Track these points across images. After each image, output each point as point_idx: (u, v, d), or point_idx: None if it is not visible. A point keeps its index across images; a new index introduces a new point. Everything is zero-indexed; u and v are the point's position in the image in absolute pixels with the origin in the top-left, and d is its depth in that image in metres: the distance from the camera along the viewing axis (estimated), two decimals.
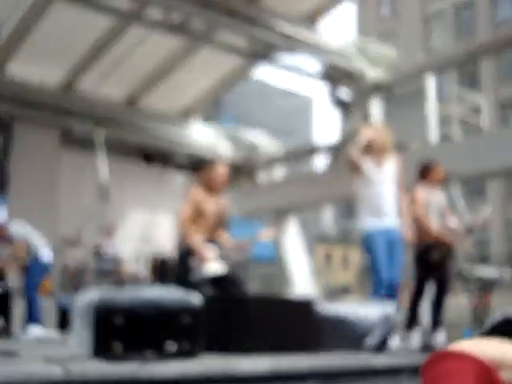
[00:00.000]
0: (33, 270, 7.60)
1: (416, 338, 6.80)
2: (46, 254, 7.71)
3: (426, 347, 6.13)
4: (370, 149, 6.49)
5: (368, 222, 6.44)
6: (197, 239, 5.97)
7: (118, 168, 13.15)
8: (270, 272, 19.31)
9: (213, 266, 5.94)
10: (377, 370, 4.70)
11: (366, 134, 6.64)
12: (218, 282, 5.99)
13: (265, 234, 6.42)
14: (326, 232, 55.92)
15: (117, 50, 12.17)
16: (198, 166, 6.46)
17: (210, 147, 15.23)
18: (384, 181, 6.55)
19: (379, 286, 6.46)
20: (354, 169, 6.47)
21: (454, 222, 7.15)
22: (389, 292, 6.49)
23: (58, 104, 12.74)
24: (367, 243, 6.44)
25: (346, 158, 6.51)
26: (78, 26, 11.49)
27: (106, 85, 13.18)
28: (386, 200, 6.54)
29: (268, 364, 4.14)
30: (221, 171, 6.28)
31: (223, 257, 6.02)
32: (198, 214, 6.05)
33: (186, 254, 6.02)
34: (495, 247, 35.20)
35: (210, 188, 6.21)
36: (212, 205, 6.13)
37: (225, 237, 6.30)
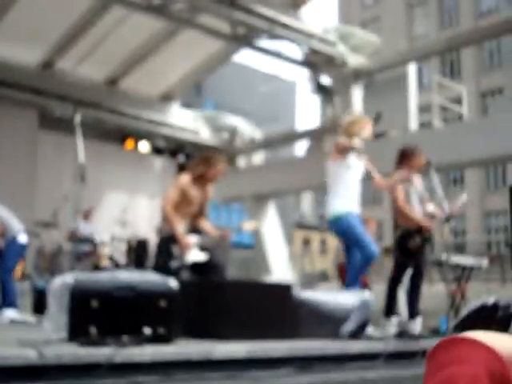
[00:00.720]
0: (8, 252, 7.52)
1: (393, 325, 6.85)
2: (22, 236, 7.62)
3: (402, 334, 6.16)
4: (350, 135, 6.57)
5: (344, 205, 6.49)
6: (179, 227, 5.98)
7: (97, 150, 13.04)
8: (248, 257, 19.31)
9: (194, 253, 5.98)
10: (353, 356, 4.72)
11: (350, 122, 6.74)
12: (198, 269, 6.01)
13: (248, 225, 6.46)
14: (304, 218, 56.07)
15: (97, 31, 12.03)
16: (199, 157, 6.45)
17: (189, 131, 15.15)
18: (358, 170, 6.65)
19: (365, 264, 6.50)
20: (345, 149, 6.49)
21: (431, 208, 7.19)
22: (367, 266, 6.65)
23: (36, 84, 12.59)
24: (346, 223, 6.46)
25: (339, 143, 6.57)
26: (58, 5, 11.33)
27: (85, 66, 13.04)
28: (356, 188, 6.63)
29: (244, 349, 4.14)
30: (222, 169, 6.27)
31: (205, 245, 6.04)
32: (183, 201, 6.06)
33: (167, 240, 6.03)
34: (472, 237, 35.47)
35: (204, 180, 6.19)
36: (199, 194, 6.14)
37: (206, 224, 6.30)
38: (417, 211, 6.97)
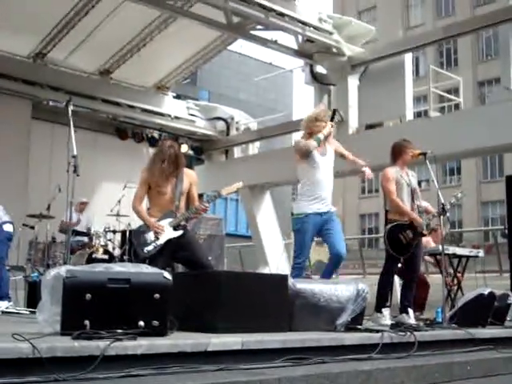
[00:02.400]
0: None
1: (386, 317, 6.85)
2: (7, 225, 7.58)
3: (398, 325, 6.15)
4: (309, 133, 6.69)
5: (306, 206, 6.57)
6: (147, 216, 6.20)
7: (91, 141, 13.02)
8: (244, 248, 19.30)
9: (166, 233, 6.10)
10: (349, 347, 4.70)
11: (310, 120, 6.79)
12: (172, 247, 6.13)
13: (227, 189, 6.42)
14: None
15: (90, 21, 11.96)
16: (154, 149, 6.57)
17: (184, 122, 15.10)
18: (326, 166, 6.68)
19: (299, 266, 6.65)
20: (303, 154, 6.60)
21: (424, 204, 7.21)
22: (337, 266, 6.73)
23: (29, 75, 12.51)
24: (298, 225, 6.60)
25: (296, 145, 6.75)
26: None
27: (78, 56, 12.97)
28: (326, 185, 6.66)
29: (239, 341, 4.11)
30: (169, 154, 6.22)
31: (178, 223, 6.16)
32: (154, 194, 6.25)
33: (140, 231, 6.24)
34: (468, 228, 35.44)
35: (163, 170, 6.20)
36: (168, 182, 6.20)
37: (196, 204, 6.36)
38: (407, 205, 6.97)
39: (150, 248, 6.08)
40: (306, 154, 6.56)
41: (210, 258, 11.44)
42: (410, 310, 6.95)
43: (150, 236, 6.11)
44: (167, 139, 6.62)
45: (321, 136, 6.54)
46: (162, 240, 6.10)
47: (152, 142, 14.84)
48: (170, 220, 6.15)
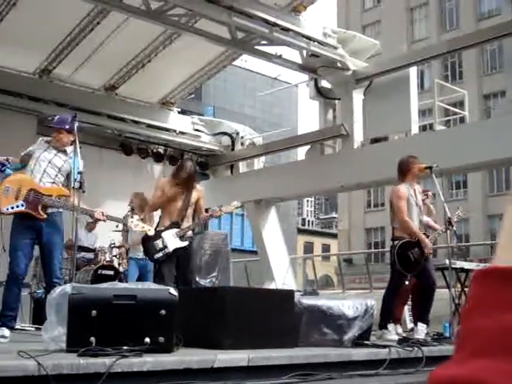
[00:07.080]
0: None
1: (393, 333, 6.81)
2: None
3: (404, 340, 6.10)
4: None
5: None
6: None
7: (95, 157, 13.00)
8: (250, 263, 19.25)
9: (173, 242, 6.80)
10: (356, 363, 4.67)
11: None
12: (177, 255, 6.85)
13: (217, 211, 7.12)
14: (307, 223, 55.97)
15: (95, 37, 12.00)
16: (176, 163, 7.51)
17: (189, 137, 15.10)
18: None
19: None
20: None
21: (426, 220, 7.19)
22: None
23: (35, 91, 12.55)
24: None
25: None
26: (55, 12, 11.29)
27: (83, 72, 13.01)
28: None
29: (245, 357, 4.08)
30: (188, 171, 7.10)
31: (184, 234, 6.88)
32: (168, 203, 6.97)
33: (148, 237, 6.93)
34: (475, 242, 35.27)
35: (179, 183, 7.02)
36: (181, 195, 6.95)
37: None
38: (416, 224, 6.95)
39: (159, 255, 6.79)
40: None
41: (215, 274, 11.45)
42: (423, 324, 6.91)
43: (159, 243, 6.79)
44: (188, 159, 7.62)
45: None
46: (170, 248, 6.77)
47: (157, 157, 14.85)
48: (176, 230, 6.80)
